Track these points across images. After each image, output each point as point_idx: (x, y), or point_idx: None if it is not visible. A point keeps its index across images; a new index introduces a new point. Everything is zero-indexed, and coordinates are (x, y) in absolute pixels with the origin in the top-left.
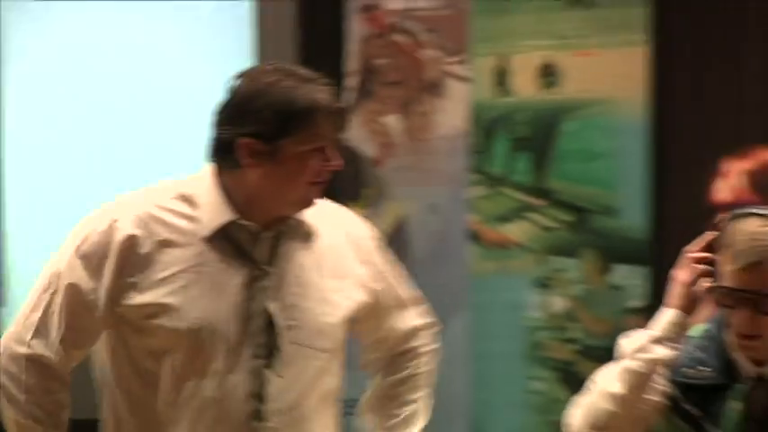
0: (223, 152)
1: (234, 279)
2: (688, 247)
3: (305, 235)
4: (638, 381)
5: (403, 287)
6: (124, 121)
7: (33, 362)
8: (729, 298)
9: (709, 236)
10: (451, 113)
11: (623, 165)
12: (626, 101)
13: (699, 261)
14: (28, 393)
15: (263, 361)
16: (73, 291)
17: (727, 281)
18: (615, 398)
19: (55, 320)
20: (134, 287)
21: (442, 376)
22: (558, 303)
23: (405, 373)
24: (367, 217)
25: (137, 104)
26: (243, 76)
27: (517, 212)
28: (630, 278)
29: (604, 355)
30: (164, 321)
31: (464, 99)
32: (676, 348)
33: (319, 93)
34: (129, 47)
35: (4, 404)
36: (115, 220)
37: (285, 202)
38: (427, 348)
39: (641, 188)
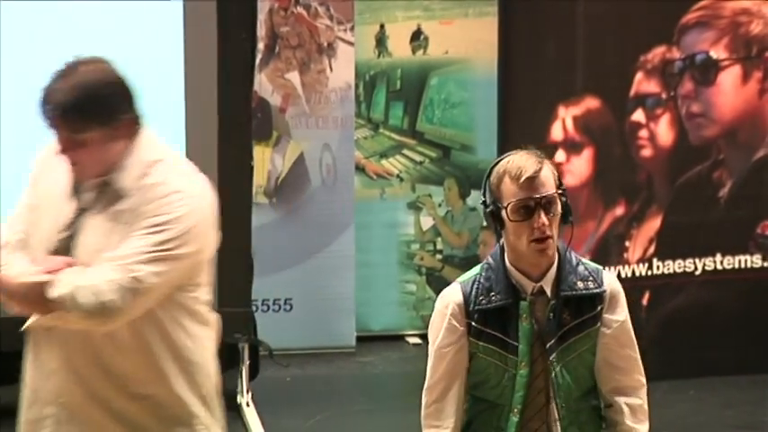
0: None
1: (66, 213)
2: None
3: (114, 194)
4: None
5: None
6: None
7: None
8: (521, 210)
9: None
10: (341, 71)
11: (478, 111)
12: (480, 60)
13: None
14: None
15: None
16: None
17: (513, 197)
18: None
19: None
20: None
21: (333, 281)
22: (427, 222)
23: None
24: (274, 152)
25: None
26: None
27: (393, 149)
28: None
29: (463, 262)
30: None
31: (351, 59)
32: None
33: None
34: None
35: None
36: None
37: None
38: None
39: (492, 130)
